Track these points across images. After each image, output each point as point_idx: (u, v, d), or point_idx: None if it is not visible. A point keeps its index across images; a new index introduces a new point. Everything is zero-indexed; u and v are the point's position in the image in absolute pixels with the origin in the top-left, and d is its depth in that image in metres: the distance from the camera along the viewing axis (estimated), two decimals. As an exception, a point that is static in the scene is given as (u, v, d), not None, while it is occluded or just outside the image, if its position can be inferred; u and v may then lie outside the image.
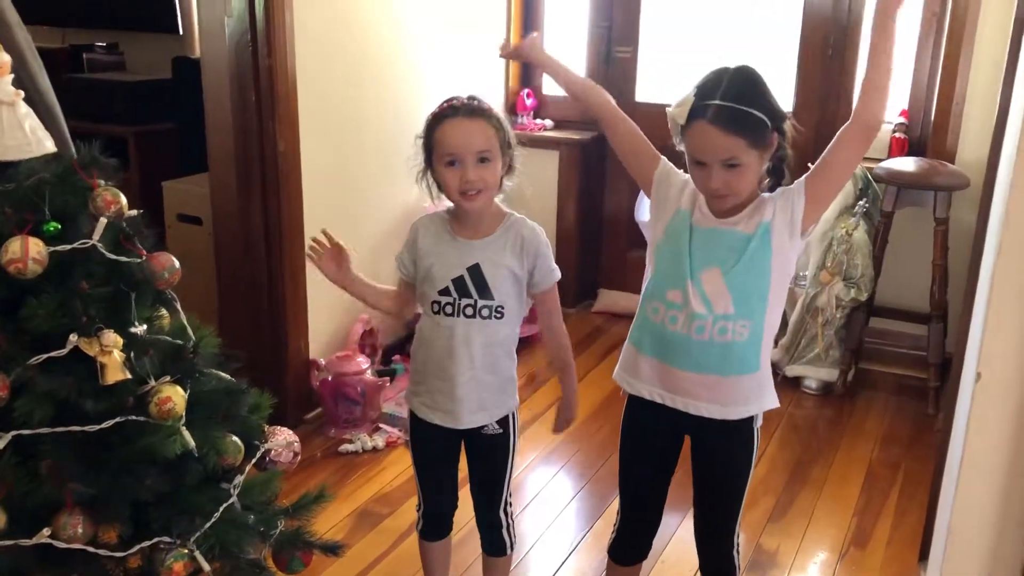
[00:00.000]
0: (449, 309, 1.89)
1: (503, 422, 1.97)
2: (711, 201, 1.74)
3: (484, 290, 1.87)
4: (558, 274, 1.93)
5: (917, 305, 3.59)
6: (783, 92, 3.87)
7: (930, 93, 3.61)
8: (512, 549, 2.11)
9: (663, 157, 1.88)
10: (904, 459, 3.11)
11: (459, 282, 1.88)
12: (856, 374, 3.64)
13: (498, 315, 1.88)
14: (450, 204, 1.91)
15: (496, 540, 2.08)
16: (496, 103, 4.18)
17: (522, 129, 4.22)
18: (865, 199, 3.44)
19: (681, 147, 1.74)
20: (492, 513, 2.05)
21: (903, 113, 3.66)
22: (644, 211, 1.94)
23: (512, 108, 4.28)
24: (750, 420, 1.83)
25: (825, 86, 3.82)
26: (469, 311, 1.88)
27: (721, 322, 1.73)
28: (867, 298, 3.45)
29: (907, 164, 3.41)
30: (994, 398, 1.44)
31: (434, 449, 2.02)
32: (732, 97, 1.63)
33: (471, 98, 1.83)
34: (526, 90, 4.28)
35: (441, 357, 1.92)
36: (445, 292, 1.89)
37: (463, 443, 2.02)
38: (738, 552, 1.94)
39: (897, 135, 3.61)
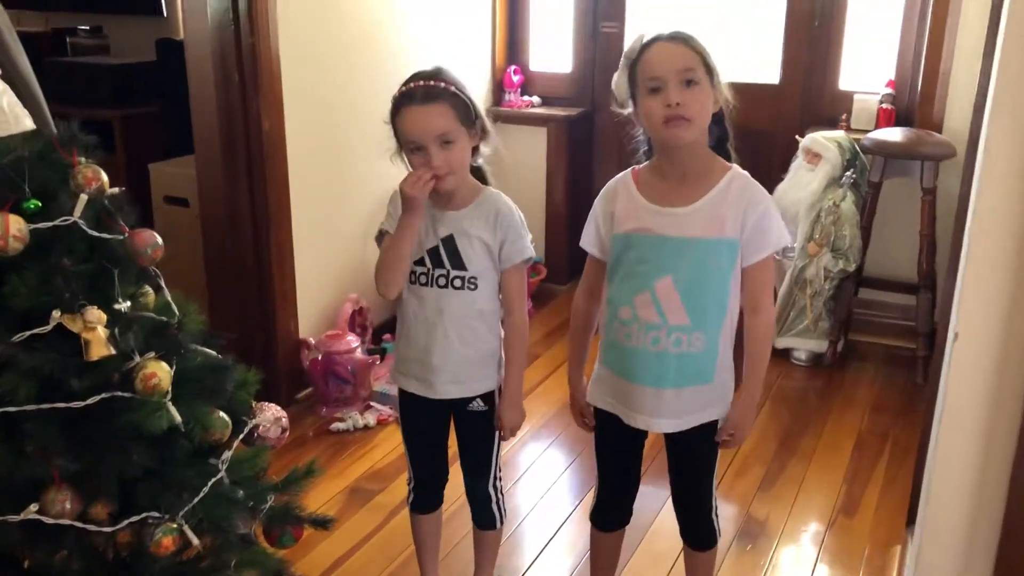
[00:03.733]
0: (424, 279, 1.89)
1: (488, 399, 1.98)
2: (665, 134, 1.68)
3: (457, 261, 1.87)
4: (529, 252, 1.91)
5: (905, 275, 3.61)
6: (769, 64, 3.87)
7: (916, 63, 3.61)
8: (502, 523, 2.12)
9: (595, 238, 1.89)
10: (893, 428, 3.13)
11: (433, 253, 1.88)
12: (845, 345, 3.66)
13: (471, 286, 1.88)
14: None
15: (486, 514, 2.09)
16: (483, 81, 4.21)
17: (509, 106, 4.21)
18: (852, 170, 3.44)
19: (628, 110, 1.75)
20: (481, 488, 2.06)
21: (890, 84, 3.66)
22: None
23: (499, 85, 4.27)
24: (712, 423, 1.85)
25: (811, 57, 3.81)
26: (442, 281, 1.88)
27: (676, 333, 1.74)
28: (855, 269, 3.46)
29: (894, 134, 3.42)
30: (971, 357, 1.45)
31: (419, 420, 2.03)
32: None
33: (430, 77, 1.79)
34: (513, 67, 4.26)
35: (416, 327, 1.93)
36: (420, 263, 1.89)
37: (453, 417, 2.03)
38: (716, 516, 1.97)
39: (884, 106, 3.61)
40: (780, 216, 1.75)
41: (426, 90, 1.78)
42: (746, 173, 1.76)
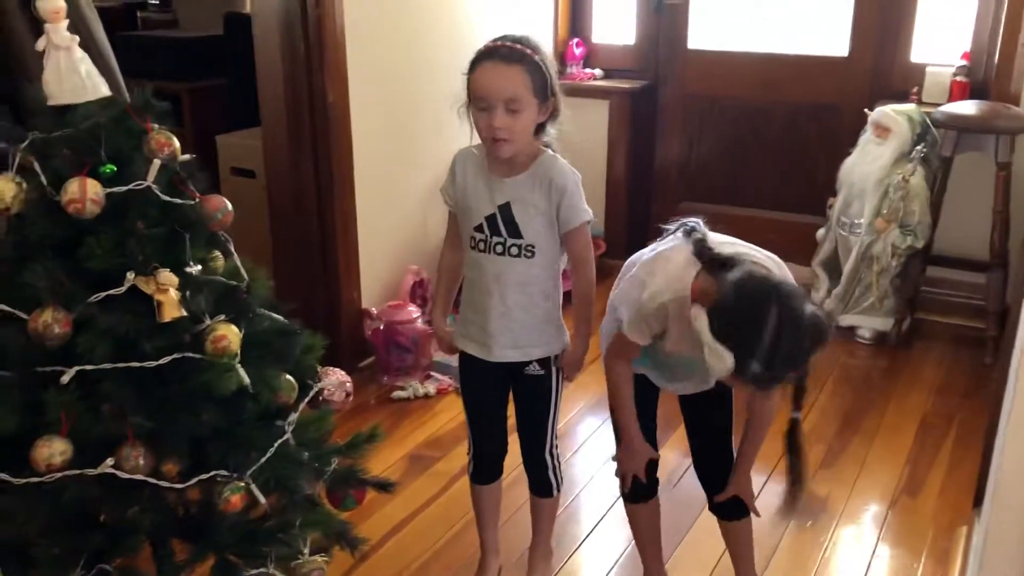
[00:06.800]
0: (482, 246, 1.91)
1: (545, 363, 1.99)
2: None
3: (514, 229, 1.88)
4: (587, 215, 1.90)
5: (976, 253, 3.50)
6: (838, 36, 3.77)
7: (993, 34, 3.50)
8: (559, 490, 2.13)
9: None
10: (960, 410, 3.06)
11: (491, 220, 1.90)
12: (911, 324, 3.58)
13: (528, 254, 1.89)
14: None
15: (542, 481, 2.11)
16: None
17: (571, 79, 4.18)
18: (923, 144, 3.36)
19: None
20: (537, 454, 2.07)
21: (965, 56, 3.55)
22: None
23: (561, 58, 4.24)
24: None
25: (881, 28, 3.71)
26: (499, 248, 1.90)
27: None
28: (924, 246, 3.38)
29: (968, 107, 3.32)
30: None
31: (478, 382, 2.05)
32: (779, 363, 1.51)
33: (516, 40, 1.79)
34: (575, 39, 4.24)
35: (476, 291, 1.95)
36: (479, 229, 1.91)
37: (512, 385, 2.04)
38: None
39: (958, 78, 3.51)
40: None
41: (510, 50, 1.78)
42: None
